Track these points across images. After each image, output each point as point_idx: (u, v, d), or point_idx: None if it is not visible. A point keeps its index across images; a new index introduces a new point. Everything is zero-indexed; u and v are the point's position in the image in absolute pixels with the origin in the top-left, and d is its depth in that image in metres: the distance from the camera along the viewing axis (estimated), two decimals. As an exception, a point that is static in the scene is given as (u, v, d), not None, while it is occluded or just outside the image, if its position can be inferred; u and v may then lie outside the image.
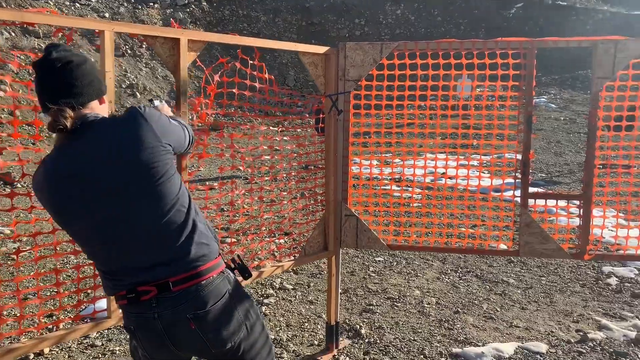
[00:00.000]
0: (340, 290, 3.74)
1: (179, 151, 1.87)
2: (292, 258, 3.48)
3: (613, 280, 4.91)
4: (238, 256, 1.98)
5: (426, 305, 4.40)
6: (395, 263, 5.38)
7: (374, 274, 5.09)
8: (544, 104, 17.17)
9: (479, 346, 3.71)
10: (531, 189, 3.43)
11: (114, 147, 1.64)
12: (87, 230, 1.71)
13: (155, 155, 1.66)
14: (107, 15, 18.72)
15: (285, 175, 3.79)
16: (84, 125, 1.67)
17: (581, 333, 3.90)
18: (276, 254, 3.59)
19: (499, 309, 4.34)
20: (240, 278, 2.00)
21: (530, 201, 3.41)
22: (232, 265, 1.93)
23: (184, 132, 1.91)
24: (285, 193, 3.79)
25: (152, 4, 20.93)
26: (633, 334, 3.84)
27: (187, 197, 1.78)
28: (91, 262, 1.97)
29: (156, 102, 2.36)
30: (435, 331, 3.94)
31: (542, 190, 7.88)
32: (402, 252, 5.57)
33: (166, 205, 1.70)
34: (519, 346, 3.71)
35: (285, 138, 3.75)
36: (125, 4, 20.18)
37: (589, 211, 3.39)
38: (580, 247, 3.40)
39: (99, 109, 1.77)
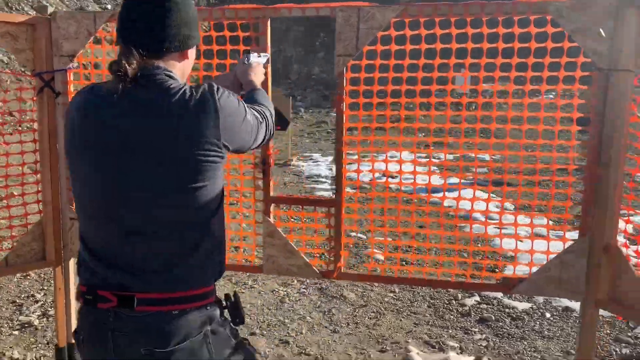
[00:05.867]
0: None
1: (241, 151, 1.60)
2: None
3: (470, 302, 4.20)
4: (235, 293, 1.62)
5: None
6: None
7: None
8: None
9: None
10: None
11: (164, 123, 1.38)
12: (86, 178, 1.45)
13: (202, 155, 1.40)
14: None
15: None
16: (145, 79, 1.41)
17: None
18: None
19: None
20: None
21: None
22: (224, 303, 1.58)
23: (258, 129, 1.62)
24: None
25: None
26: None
27: (216, 205, 1.49)
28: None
29: (252, 57, 1.95)
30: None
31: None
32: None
33: (185, 207, 1.42)
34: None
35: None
36: None
37: (339, 221, 2.73)
38: (331, 263, 2.75)
39: (179, 64, 1.51)
